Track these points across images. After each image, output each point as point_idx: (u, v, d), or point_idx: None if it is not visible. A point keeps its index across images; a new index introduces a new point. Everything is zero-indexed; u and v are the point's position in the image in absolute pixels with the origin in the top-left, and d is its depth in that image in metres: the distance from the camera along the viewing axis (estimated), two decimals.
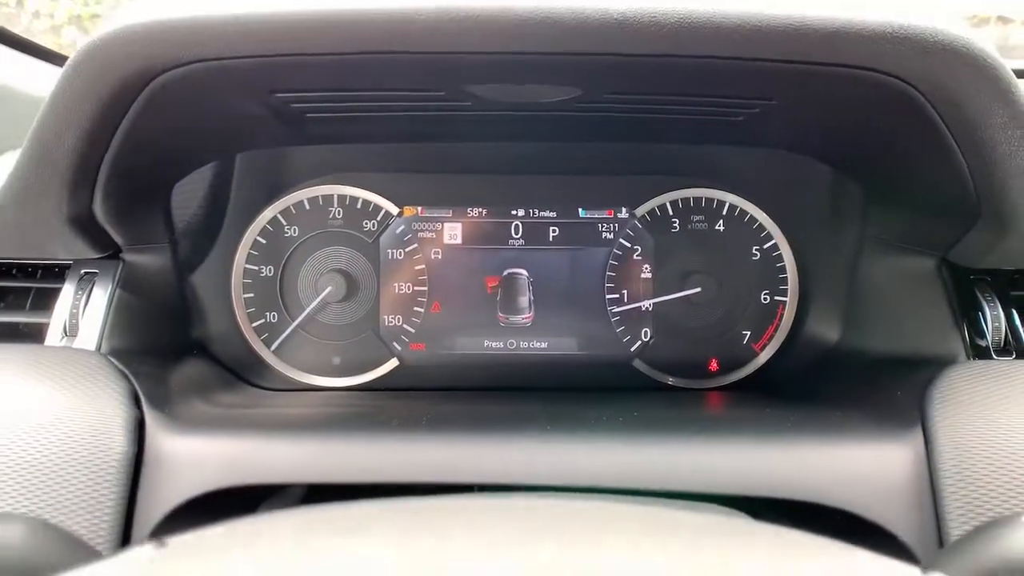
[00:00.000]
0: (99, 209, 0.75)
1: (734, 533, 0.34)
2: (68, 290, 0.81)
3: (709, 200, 0.94)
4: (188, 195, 0.90)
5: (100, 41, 0.54)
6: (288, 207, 0.94)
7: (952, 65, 0.54)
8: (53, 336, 0.80)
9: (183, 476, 0.62)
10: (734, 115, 0.71)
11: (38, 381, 0.66)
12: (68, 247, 0.79)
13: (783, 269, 0.94)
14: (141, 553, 0.32)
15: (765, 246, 0.94)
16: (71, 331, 0.80)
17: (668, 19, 0.50)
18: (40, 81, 1.11)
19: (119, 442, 0.63)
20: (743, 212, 0.94)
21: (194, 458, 0.64)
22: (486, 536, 0.28)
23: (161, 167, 0.78)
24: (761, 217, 0.94)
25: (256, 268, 0.94)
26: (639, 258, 0.95)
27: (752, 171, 0.92)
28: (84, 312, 0.80)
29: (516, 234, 0.95)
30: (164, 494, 0.62)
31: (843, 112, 0.68)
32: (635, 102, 0.67)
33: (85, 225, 0.76)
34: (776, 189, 0.92)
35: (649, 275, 0.95)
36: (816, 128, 0.76)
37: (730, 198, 0.94)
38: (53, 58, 1.20)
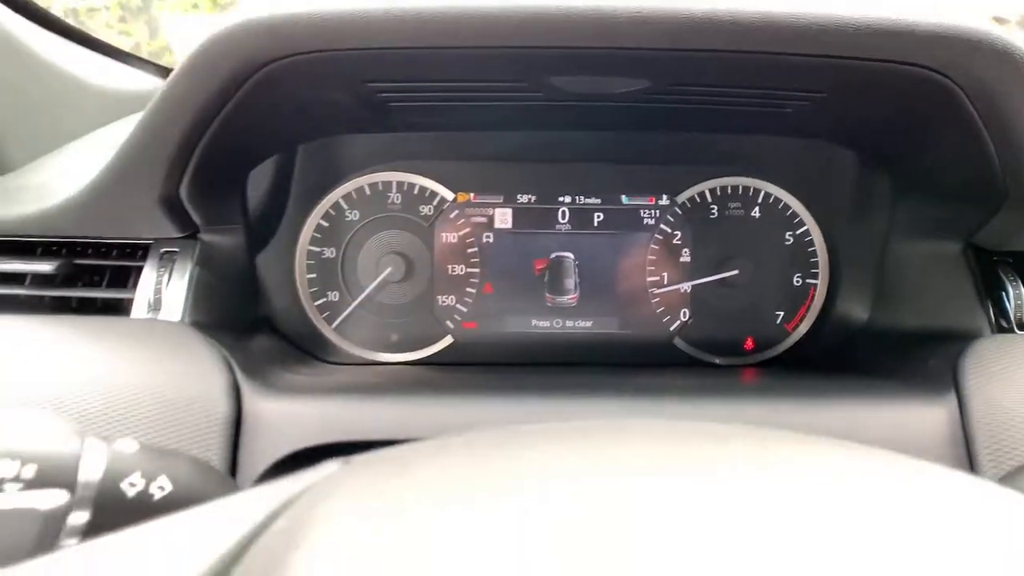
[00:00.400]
0: (185, 190, 0.81)
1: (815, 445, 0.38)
2: (150, 268, 0.86)
3: (746, 188, 1.00)
4: (255, 181, 0.95)
5: (225, 32, 0.60)
6: (350, 192, 0.99)
7: (993, 62, 0.60)
8: (138, 311, 0.85)
9: (280, 435, 0.68)
10: (783, 106, 0.77)
11: (145, 347, 0.71)
12: (154, 226, 0.84)
13: (814, 253, 1.01)
14: (329, 468, 0.38)
15: (798, 232, 1.01)
16: (155, 306, 0.85)
17: (748, 19, 0.55)
18: (105, 73, 1.16)
19: (222, 403, 0.68)
20: (777, 200, 1.00)
21: (289, 419, 0.70)
22: (668, 449, 0.33)
23: (245, 152, 0.84)
24: (795, 204, 1.00)
25: (319, 250, 1.00)
26: (679, 243, 1.01)
27: (787, 161, 0.98)
28: (167, 288, 0.85)
29: (563, 219, 1.01)
30: (262, 452, 0.68)
31: (883, 104, 0.74)
32: (696, 94, 0.73)
33: (172, 205, 0.82)
34: (809, 178, 0.98)
35: (688, 259, 1.01)
36: (856, 119, 0.82)
37: (765, 186, 1.00)
38: (107, 50, 1.25)
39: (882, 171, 0.93)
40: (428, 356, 1.01)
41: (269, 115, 0.76)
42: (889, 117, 0.77)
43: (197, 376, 0.69)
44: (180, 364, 0.70)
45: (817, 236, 1.00)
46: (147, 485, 0.44)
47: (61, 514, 0.36)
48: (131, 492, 0.44)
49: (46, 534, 0.35)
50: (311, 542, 0.27)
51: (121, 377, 0.64)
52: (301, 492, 0.34)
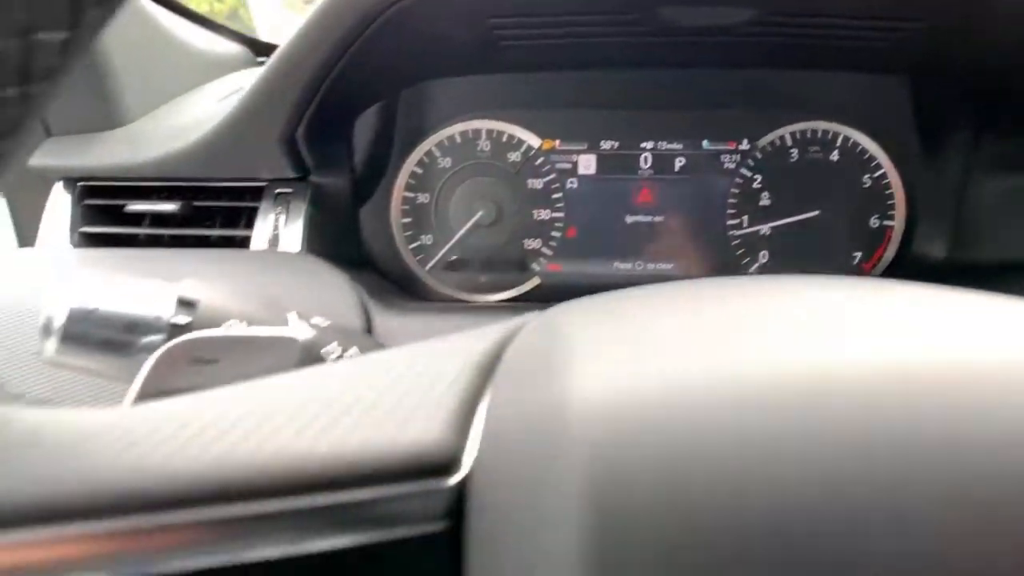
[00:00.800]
0: (302, 131, 0.87)
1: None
2: (267, 207, 0.92)
3: (824, 132, 1.03)
4: (359, 130, 1.01)
5: None
6: (442, 140, 1.04)
7: None
8: (258, 246, 0.91)
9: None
10: (879, 40, 0.80)
11: (284, 271, 0.77)
12: (273, 167, 0.90)
13: (891, 196, 1.03)
14: (525, 317, 0.43)
15: (875, 175, 1.03)
16: (275, 242, 0.91)
17: None
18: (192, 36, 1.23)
19: (356, 318, 0.74)
20: (855, 143, 1.03)
21: (417, 333, 0.75)
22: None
23: (360, 93, 0.89)
24: (872, 148, 1.03)
25: (413, 195, 1.05)
26: (759, 186, 1.04)
27: (866, 104, 1.01)
28: (284, 226, 0.92)
29: (645, 164, 1.05)
30: None
31: (977, 36, 0.77)
32: (796, 25, 0.76)
33: (290, 146, 0.88)
34: (888, 120, 1.01)
35: (768, 202, 1.04)
36: (946, 54, 0.85)
37: (844, 130, 1.03)
38: (199, 19, 1.31)
39: (966, 106, 0.95)
40: (516, 296, 1.06)
41: (387, 55, 0.81)
42: (982, 44, 0.80)
43: (333, 294, 0.75)
44: (317, 284, 0.76)
45: (894, 178, 1.03)
46: (342, 354, 0.50)
47: (312, 346, 0.42)
48: (330, 359, 0.49)
49: (305, 362, 0.41)
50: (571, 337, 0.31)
51: (274, 291, 0.70)
52: (521, 324, 0.38)
